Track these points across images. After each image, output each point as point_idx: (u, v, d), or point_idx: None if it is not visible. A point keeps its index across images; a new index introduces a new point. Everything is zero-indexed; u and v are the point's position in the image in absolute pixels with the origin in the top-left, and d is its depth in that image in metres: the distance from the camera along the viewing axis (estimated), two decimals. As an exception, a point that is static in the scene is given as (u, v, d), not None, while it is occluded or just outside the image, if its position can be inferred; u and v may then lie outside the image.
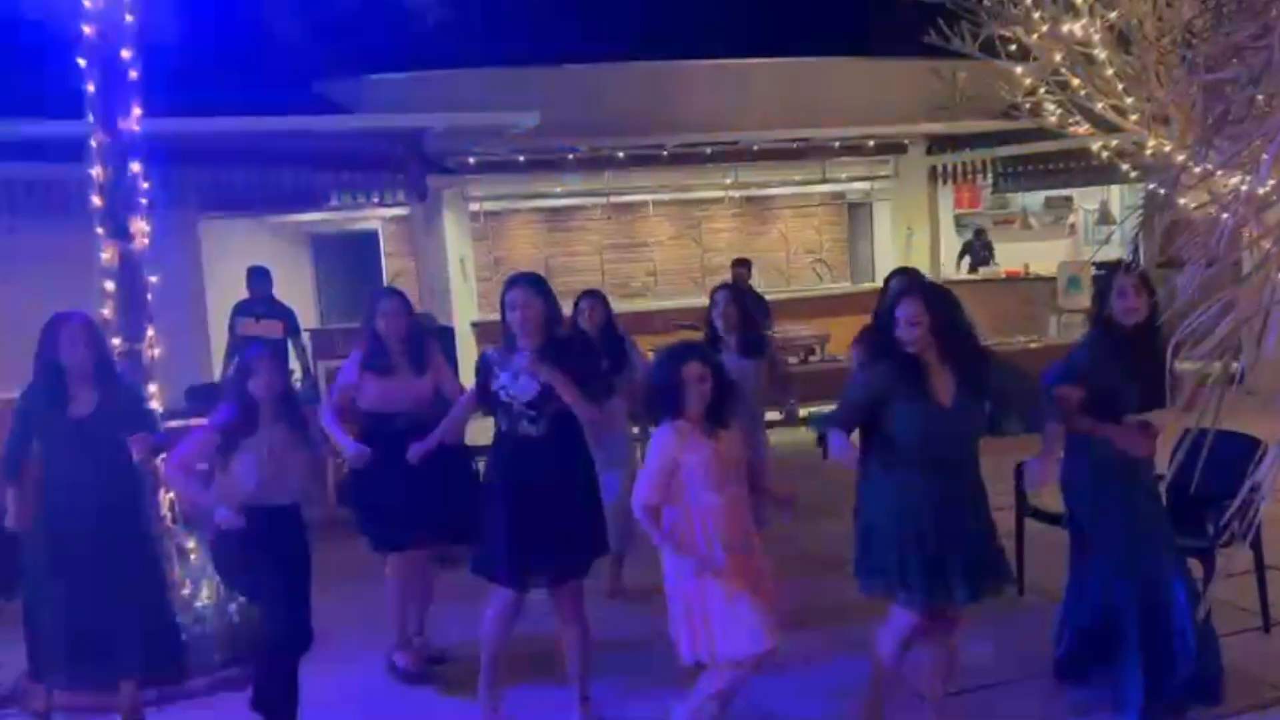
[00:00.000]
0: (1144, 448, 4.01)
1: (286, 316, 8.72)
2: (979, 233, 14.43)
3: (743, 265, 10.15)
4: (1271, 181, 2.04)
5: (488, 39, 11.87)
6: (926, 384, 3.72)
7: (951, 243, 14.36)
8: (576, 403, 4.03)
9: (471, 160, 11.51)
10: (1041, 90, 5.93)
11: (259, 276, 8.81)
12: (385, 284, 13.28)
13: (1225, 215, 2.19)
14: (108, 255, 5.08)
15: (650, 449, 3.75)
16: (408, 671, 4.87)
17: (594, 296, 5.86)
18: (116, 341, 5.05)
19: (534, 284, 4.19)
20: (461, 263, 12.48)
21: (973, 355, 3.79)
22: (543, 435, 4.08)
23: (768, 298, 12.83)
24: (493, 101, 10.02)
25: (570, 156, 11.83)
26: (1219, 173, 3.23)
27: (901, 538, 3.76)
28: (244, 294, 8.81)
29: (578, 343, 4.26)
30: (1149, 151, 5.50)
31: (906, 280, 4.89)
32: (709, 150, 12.22)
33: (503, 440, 4.17)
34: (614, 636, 4.97)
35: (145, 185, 5.17)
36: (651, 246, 14.27)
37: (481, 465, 4.57)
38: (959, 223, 14.76)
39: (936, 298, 3.81)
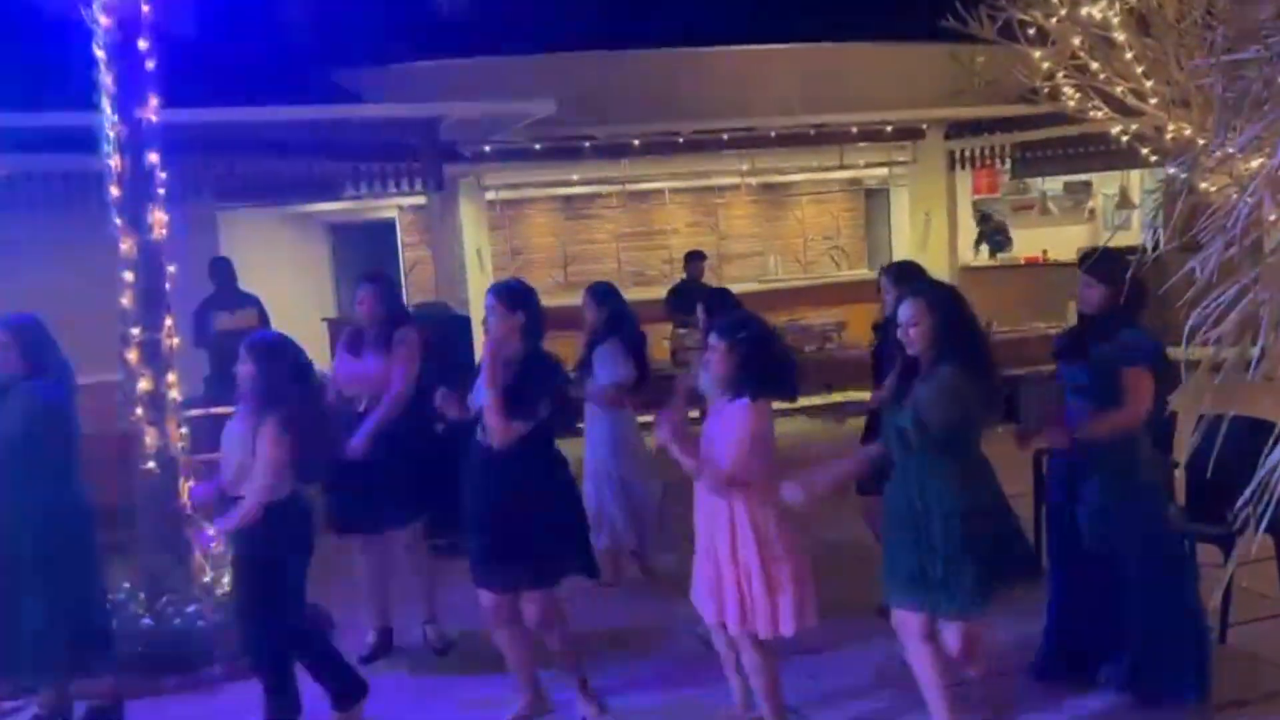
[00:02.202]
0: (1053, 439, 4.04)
1: (258, 305, 8.60)
2: (985, 218, 14.34)
3: (699, 258, 9.90)
4: (1291, 164, 2.01)
5: (503, 26, 11.85)
6: (908, 387, 3.64)
7: (969, 229, 14.28)
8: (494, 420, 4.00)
9: (487, 149, 11.50)
10: (1060, 74, 5.88)
11: (223, 268, 8.56)
12: (403, 273, 13.34)
13: (1244, 198, 2.17)
14: (126, 246, 5.10)
15: None
16: (361, 654, 4.95)
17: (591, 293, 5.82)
18: (135, 331, 5.09)
19: (496, 294, 4.12)
20: (478, 252, 12.49)
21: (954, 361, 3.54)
22: (498, 448, 4.04)
23: (785, 285, 12.86)
24: (509, 89, 10.01)
25: (586, 144, 11.80)
26: (1239, 155, 3.20)
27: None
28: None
29: (535, 370, 4.10)
30: (1169, 136, 5.45)
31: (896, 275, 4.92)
32: (725, 137, 12.15)
33: (472, 444, 4.18)
34: (619, 624, 5.01)
35: (162, 175, 5.19)
36: (668, 234, 14.25)
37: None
38: (977, 208, 14.68)
39: (937, 300, 3.65)
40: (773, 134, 12.24)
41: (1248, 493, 1.93)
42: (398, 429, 4.81)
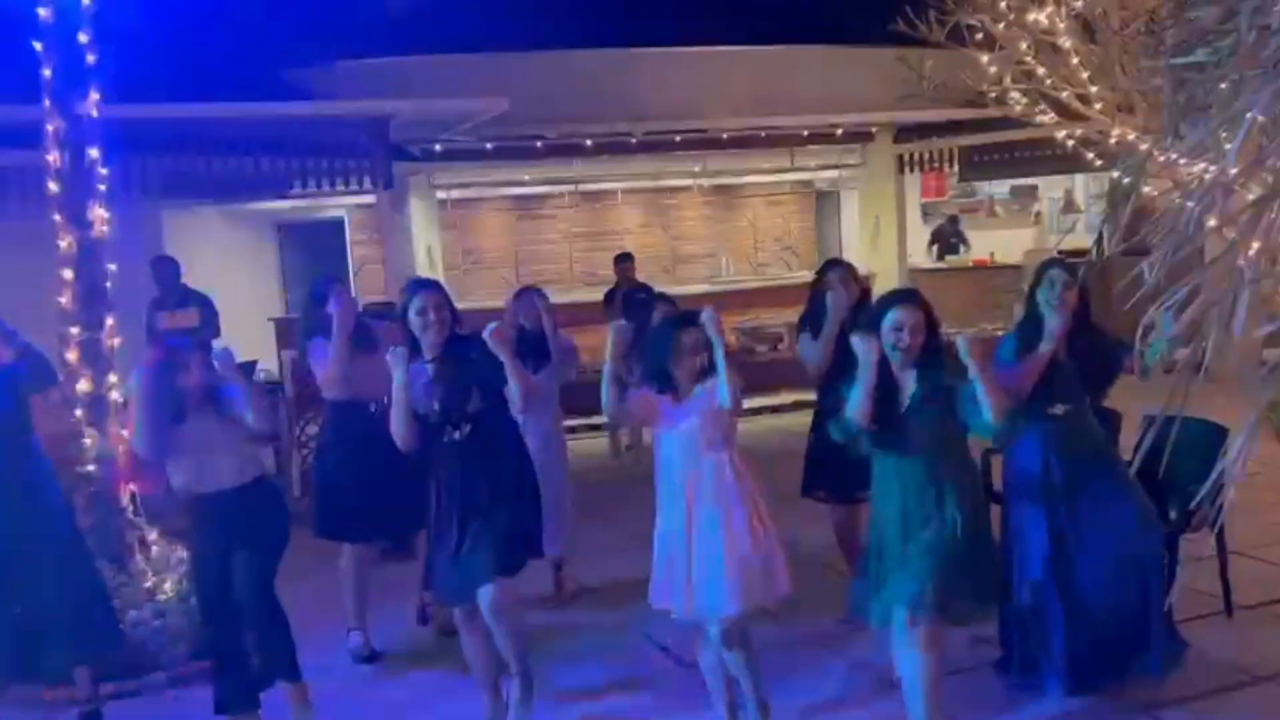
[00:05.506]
0: None
1: (202, 303, 8.43)
2: (953, 220, 14.48)
3: (626, 260, 9.70)
4: (1236, 168, 2.05)
5: (455, 25, 11.77)
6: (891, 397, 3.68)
7: (918, 231, 14.42)
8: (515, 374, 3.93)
9: (438, 147, 11.41)
10: (1007, 79, 5.96)
11: (166, 267, 8.39)
12: (351, 272, 13.18)
13: (1190, 203, 2.20)
14: (65, 243, 4.99)
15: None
16: (357, 654, 4.96)
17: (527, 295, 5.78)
18: (74, 330, 4.97)
19: (437, 287, 4.15)
20: (428, 251, 12.38)
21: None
22: (467, 439, 3.98)
23: (737, 287, 12.89)
24: (460, 88, 9.93)
25: (538, 144, 11.76)
26: (1182, 160, 3.25)
27: None
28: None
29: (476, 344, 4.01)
30: (1113, 140, 5.55)
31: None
32: (678, 138, 12.18)
33: (431, 446, 4.04)
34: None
35: (104, 172, 5.08)
36: (620, 235, 14.20)
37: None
38: (925, 211, 14.84)
39: (927, 308, 3.72)
40: (724, 136, 12.28)
41: (1202, 493, 1.96)
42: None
